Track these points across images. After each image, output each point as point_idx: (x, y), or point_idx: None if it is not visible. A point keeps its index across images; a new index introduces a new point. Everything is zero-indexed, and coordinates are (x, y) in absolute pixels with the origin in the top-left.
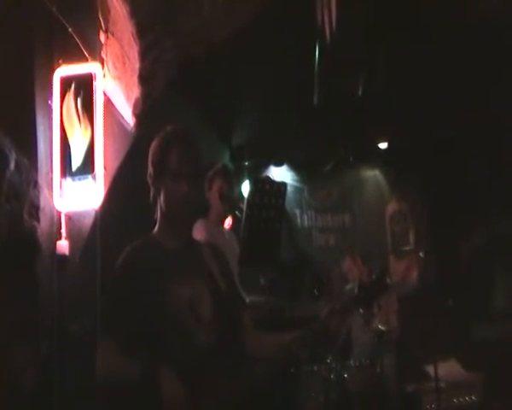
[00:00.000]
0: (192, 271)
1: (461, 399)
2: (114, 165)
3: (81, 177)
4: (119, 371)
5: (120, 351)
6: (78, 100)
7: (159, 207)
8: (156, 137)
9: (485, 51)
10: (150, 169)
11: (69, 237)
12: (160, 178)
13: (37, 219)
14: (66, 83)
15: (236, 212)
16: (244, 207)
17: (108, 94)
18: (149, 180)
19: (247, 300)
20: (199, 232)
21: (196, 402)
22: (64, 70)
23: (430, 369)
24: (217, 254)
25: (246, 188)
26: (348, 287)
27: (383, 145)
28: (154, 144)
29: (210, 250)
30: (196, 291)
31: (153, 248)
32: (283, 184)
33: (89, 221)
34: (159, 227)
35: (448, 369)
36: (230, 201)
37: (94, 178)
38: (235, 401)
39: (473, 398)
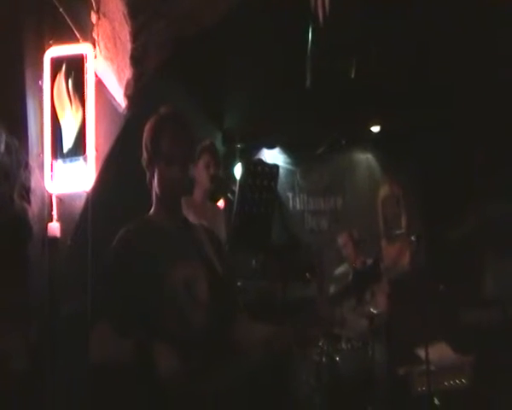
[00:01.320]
0: (188, 252)
1: (451, 382)
2: (106, 146)
3: (72, 158)
4: (115, 352)
5: (116, 333)
6: (69, 81)
7: (154, 190)
8: (149, 120)
9: (480, 35)
10: (144, 153)
11: (60, 219)
12: (153, 162)
13: (28, 201)
14: (56, 64)
15: (229, 194)
16: (236, 189)
17: (100, 75)
18: (143, 163)
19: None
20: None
21: (192, 382)
22: (55, 51)
23: (421, 352)
24: (213, 237)
25: (238, 170)
26: (339, 270)
27: (376, 128)
28: (147, 128)
29: (206, 233)
30: (192, 273)
31: (148, 229)
32: (275, 167)
33: (80, 203)
34: (154, 209)
35: (439, 352)
36: (219, 179)
37: (85, 159)
38: (228, 383)
39: (463, 381)
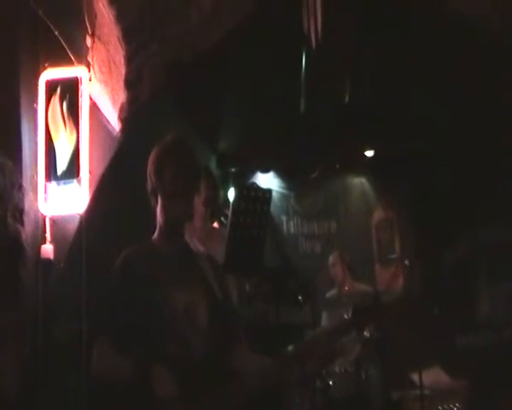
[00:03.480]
0: (189, 278)
1: (445, 406)
2: (99, 169)
3: (66, 181)
4: (114, 370)
5: (116, 351)
6: (64, 104)
7: (157, 216)
8: (154, 148)
9: (474, 57)
10: (148, 182)
11: (54, 241)
12: (156, 192)
13: (22, 223)
14: (51, 86)
15: (222, 218)
16: (229, 213)
17: (94, 98)
18: (148, 189)
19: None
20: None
21: (188, 406)
22: (50, 73)
23: (415, 376)
24: (214, 264)
25: (231, 195)
26: (330, 293)
27: (369, 153)
28: (151, 158)
29: (207, 259)
30: (192, 298)
31: (151, 253)
32: (268, 191)
33: (73, 225)
34: (157, 234)
35: (433, 376)
36: (214, 205)
37: (79, 182)
38: (223, 406)
39: (457, 405)
